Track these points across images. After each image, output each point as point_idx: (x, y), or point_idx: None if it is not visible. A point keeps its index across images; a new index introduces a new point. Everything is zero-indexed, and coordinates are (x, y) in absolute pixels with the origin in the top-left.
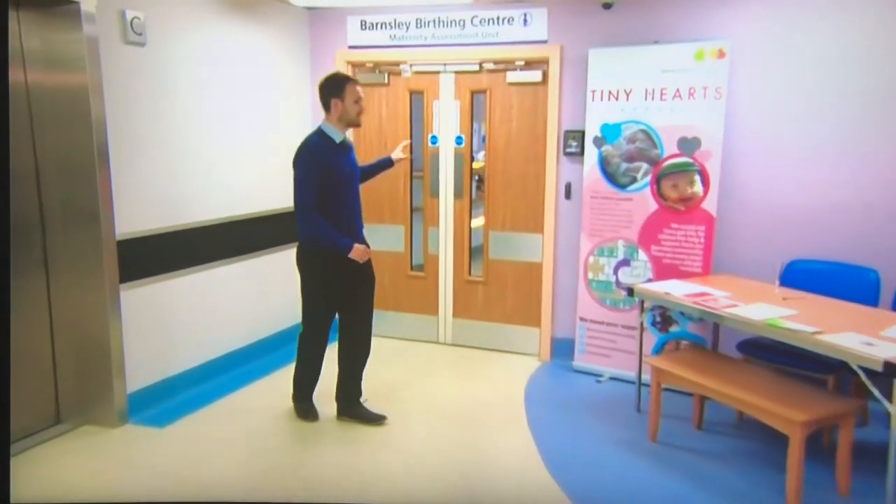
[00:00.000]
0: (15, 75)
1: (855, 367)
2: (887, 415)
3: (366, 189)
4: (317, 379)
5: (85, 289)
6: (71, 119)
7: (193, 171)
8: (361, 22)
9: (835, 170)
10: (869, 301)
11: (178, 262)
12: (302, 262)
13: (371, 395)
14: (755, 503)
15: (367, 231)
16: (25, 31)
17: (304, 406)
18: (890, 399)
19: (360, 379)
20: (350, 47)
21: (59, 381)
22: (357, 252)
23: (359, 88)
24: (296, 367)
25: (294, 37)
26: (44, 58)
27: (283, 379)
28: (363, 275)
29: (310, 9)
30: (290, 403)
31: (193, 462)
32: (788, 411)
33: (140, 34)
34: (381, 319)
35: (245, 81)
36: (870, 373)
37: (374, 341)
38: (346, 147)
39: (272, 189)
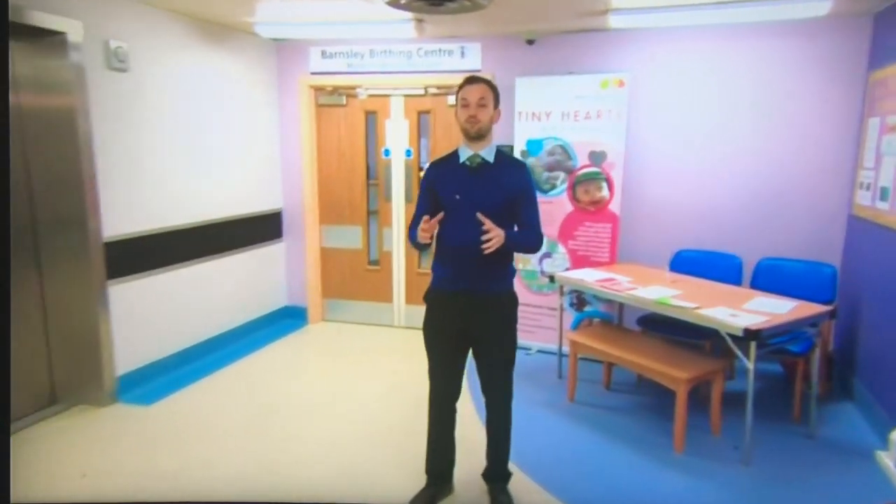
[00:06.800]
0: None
1: (723, 334)
2: (747, 370)
3: (327, 194)
4: (441, 453)
5: (75, 285)
6: (60, 137)
7: (172, 181)
8: (322, 51)
9: (710, 177)
10: (734, 281)
11: (160, 260)
12: None
13: (350, 362)
14: (650, 445)
15: (328, 232)
16: (18, 59)
17: (424, 490)
18: (748, 357)
19: (504, 455)
20: (312, 73)
21: (53, 367)
22: (421, 230)
23: (468, 89)
24: None
25: (263, 64)
26: (35, 83)
27: (256, 362)
28: (482, 321)
29: (276, 40)
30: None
31: (176, 432)
32: (675, 371)
33: (123, 61)
34: (344, 308)
35: (217, 104)
36: (734, 337)
37: (340, 326)
38: (473, 167)
39: (241, 197)
